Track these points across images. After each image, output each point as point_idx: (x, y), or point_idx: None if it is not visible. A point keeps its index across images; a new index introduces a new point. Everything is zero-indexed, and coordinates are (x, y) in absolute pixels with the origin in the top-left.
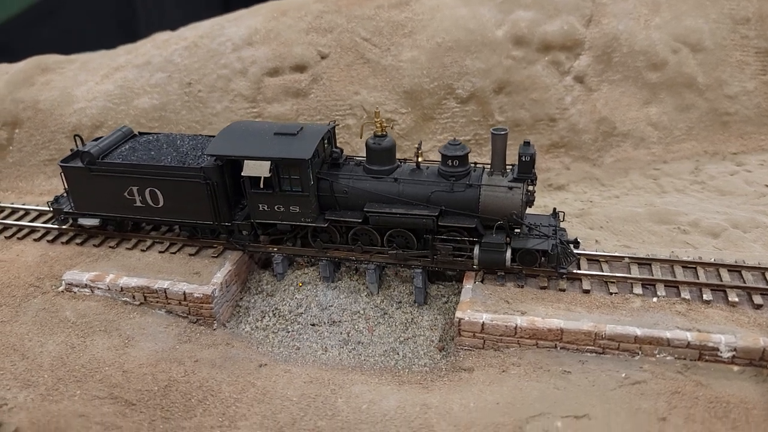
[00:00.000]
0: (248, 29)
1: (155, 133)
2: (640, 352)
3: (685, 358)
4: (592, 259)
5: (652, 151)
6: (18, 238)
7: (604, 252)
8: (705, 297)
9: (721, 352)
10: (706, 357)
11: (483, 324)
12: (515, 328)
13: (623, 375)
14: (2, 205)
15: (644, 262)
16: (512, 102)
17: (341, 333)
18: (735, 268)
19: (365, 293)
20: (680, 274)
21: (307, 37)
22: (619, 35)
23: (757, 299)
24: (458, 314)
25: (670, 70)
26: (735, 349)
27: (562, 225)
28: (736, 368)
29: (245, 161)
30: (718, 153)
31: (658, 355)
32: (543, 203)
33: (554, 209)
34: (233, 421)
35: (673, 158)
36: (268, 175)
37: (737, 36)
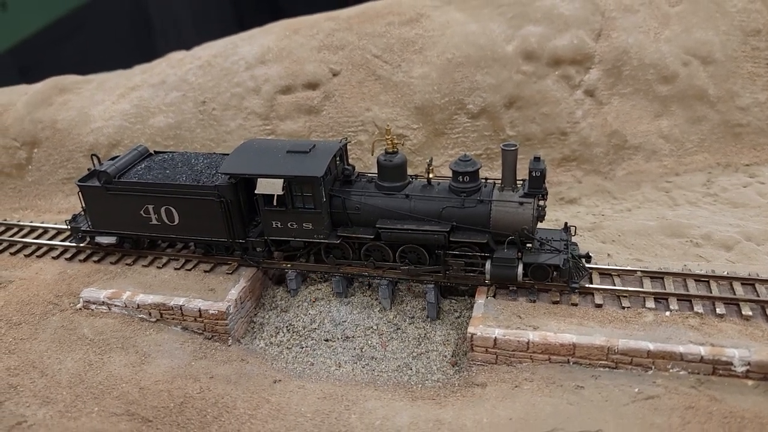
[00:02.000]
0: (261, 48)
1: (170, 152)
2: (653, 367)
3: (698, 373)
4: (605, 273)
5: (664, 164)
6: (37, 256)
7: (616, 266)
8: (718, 311)
9: (735, 367)
10: (720, 371)
11: (495, 339)
12: (527, 343)
13: (636, 390)
14: (22, 223)
15: (656, 276)
16: (523, 116)
17: (354, 348)
18: (748, 282)
19: (378, 309)
20: (693, 288)
21: (318, 55)
22: (629, 48)
23: None
24: (470, 329)
25: (680, 83)
26: (749, 364)
27: (573, 239)
28: (750, 383)
29: (258, 179)
30: (730, 165)
31: (671, 370)
32: (555, 217)
33: (566, 224)
34: None
35: (686, 170)
36: (281, 192)
37: (748, 48)
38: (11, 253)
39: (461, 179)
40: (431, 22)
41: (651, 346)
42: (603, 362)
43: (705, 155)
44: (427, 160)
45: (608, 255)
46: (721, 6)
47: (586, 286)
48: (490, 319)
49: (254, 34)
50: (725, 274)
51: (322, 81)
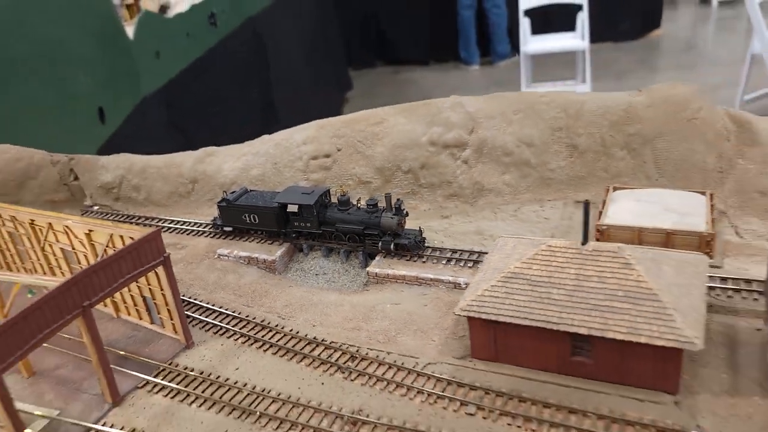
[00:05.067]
0: (305, 135)
1: (257, 190)
2: (431, 285)
3: (448, 288)
4: (435, 249)
5: (505, 199)
6: (196, 235)
7: (441, 246)
8: (468, 265)
9: (461, 285)
10: (456, 287)
11: (376, 273)
12: (387, 274)
13: (422, 292)
14: (191, 220)
15: (455, 251)
16: (429, 174)
17: (327, 277)
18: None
19: (340, 262)
20: (465, 256)
21: (331, 140)
22: (487, 138)
23: None
24: (368, 269)
25: (515, 156)
26: (465, 284)
27: (424, 235)
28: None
29: (289, 204)
30: (540, 200)
31: (438, 286)
32: (434, 224)
33: (419, 227)
34: (276, 300)
35: (515, 202)
36: (296, 210)
37: (555, 137)
38: (186, 234)
39: (369, 207)
40: (388, 123)
41: (431, 276)
42: (414, 283)
43: (529, 194)
44: (364, 199)
45: (442, 242)
46: (540, 116)
47: (422, 253)
48: (377, 266)
49: (303, 127)
50: (482, 250)
51: (332, 153)
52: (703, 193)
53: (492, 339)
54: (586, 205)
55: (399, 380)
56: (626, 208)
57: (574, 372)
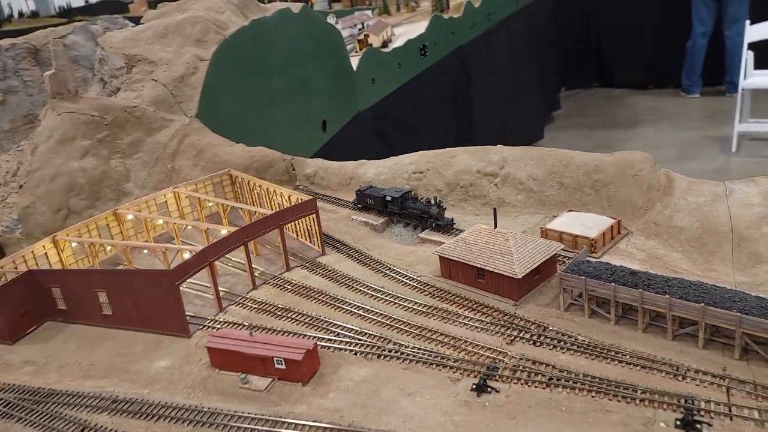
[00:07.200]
0: (410, 159)
1: (376, 187)
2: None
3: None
4: (457, 229)
5: (516, 210)
6: (344, 207)
7: (462, 228)
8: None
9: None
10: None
11: (423, 237)
12: (427, 238)
13: (438, 247)
14: (344, 199)
15: (464, 230)
16: (474, 189)
17: (401, 237)
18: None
19: (410, 230)
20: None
21: (424, 164)
22: (510, 173)
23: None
24: (419, 235)
25: (525, 186)
26: None
27: (455, 222)
28: None
29: (387, 196)
30: (536, 213)
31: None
32: (468, 218)
33: (451, 218)
34: (369, 243)
35: (521, 213)
36: (390, 200)
37: (551, 176)
38: (340, 206)
39: (426, 202)
40: (457, 157)
41: (445, 240)
42: (438, 243)
43: (531, 209)
44: (429, 199)
45: (464, 227)
46: (545, 163)
47: (449, 230)
48: (425, 234)
49: (409, 155)
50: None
51: (423, 171)
52: (614, 219)
53: (448, 268)
54: (495, 210)
55: (405, 281)
56: (563, 221)
57: (479, 286)
